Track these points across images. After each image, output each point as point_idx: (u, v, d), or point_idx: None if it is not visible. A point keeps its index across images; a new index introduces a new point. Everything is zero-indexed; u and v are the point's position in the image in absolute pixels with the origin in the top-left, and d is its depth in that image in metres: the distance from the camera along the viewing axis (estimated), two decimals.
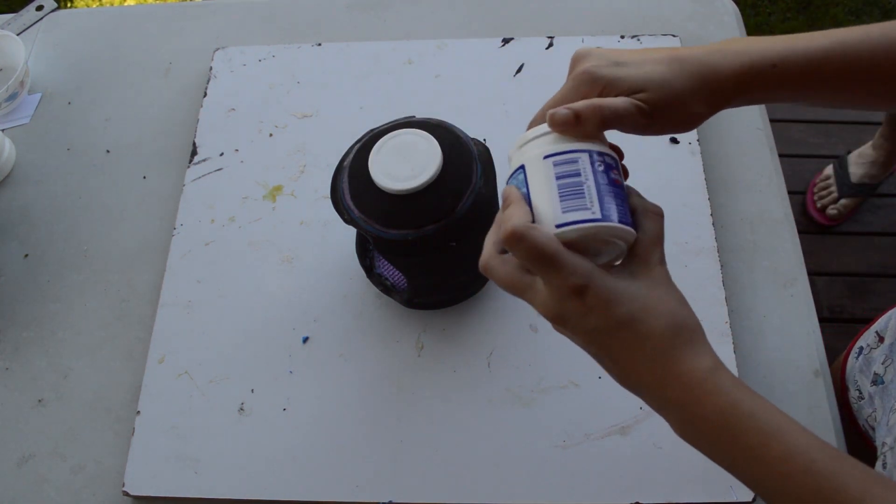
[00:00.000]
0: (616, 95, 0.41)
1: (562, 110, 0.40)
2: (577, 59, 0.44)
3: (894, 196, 1.65)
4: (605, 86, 0.41)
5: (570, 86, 0.43)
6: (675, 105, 0.42)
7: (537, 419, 0.63)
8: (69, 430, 0.67)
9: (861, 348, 0.70)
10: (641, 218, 0.41)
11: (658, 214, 0.42)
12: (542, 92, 0.46)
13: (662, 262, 0.41)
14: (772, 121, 0.79)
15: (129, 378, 0.69)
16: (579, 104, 0.40)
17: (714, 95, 0.42)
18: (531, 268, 0.39)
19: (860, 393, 0.68)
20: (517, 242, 0.38)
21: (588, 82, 0.42)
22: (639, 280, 0.39)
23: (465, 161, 0.57)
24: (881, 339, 0.66)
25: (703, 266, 0.68)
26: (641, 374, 0.39)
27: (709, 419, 0.38)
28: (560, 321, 0.39)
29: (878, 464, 0.58)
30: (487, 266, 0.42)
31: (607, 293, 0.38)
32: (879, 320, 0.68)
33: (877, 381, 0.65)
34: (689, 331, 0.39)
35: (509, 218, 0.39)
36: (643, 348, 0.38)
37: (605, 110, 0.40)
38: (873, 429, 0.66)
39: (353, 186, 0.57)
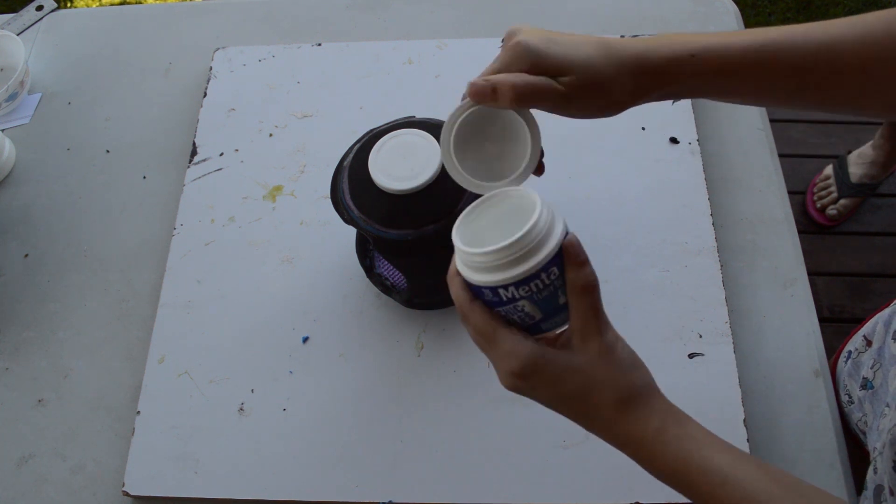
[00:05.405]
0: (542, 72, 0.42)
1: (480, 81, 0.42)
2: (511, 34, 0.45)
3: (894, 196, 1.65)
4: (535, 60, 0.42)
5: (503, 56, 0.44)
6: (597, 90, 0.43)
7: (537, 419, 0.63)
8: (69, 430, 0.67)
9: (850, 352, 0.69)
10: (571, 296, 0.41)
11: (587, 287, 0.40)
12: None
13: (600, 331, 0.41)
14: (772, 121, 0.79)
15: (129, 378, 0.69)
16: (497, 77, 0.42)
17: (637, 83, 0.43)
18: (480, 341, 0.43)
19: (850, 397, 0.67)
20: (465, 317, 0.42)
21: (520, 54, 0.43)
22: (579, 355, 0.41)
23: None
24: (869, 343, 0.65)
25: (703, 266, 0.68)
26: (598, 432, 0.43)
27: (663, 472, 0.41)
28: (514, 389, 0.42)
29: (870, 469, 0.58)
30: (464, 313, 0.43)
31: (550, 372, 0.41)
32: (867, 324, 0.67)
33: (866, 385, 0.64)
34: (634, 397, 0.41)
35: (455, 295, 0.42)
36: (595, 417, 0.42)
37: (520, 87, 0.41)
38: (864, 433, 0.65)
39: (353, 186, 0.57)
